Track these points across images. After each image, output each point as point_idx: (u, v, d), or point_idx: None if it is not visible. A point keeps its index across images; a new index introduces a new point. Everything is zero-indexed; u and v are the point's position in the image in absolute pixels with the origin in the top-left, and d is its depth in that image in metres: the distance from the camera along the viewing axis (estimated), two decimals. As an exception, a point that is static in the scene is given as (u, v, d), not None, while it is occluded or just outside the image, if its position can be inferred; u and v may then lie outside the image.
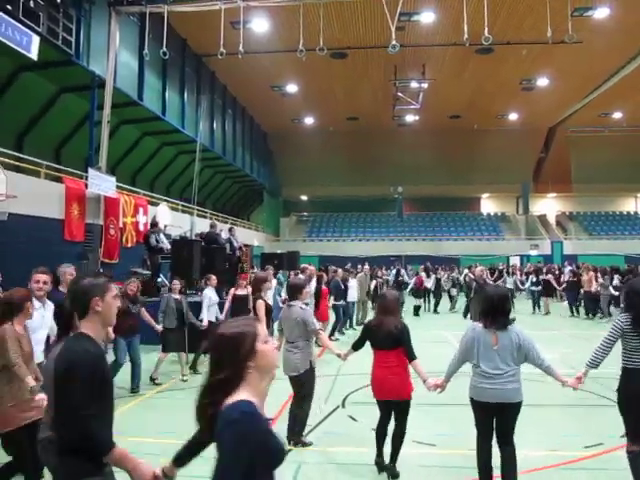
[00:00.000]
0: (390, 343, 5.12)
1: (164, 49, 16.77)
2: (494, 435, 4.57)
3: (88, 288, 2.65)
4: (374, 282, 18.14)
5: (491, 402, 4.42)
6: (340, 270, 16.19)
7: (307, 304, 11.07)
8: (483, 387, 4.46)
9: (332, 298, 14.42)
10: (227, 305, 10.51)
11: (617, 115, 34.46)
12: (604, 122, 35.59)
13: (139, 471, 2.48)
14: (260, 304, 7.94)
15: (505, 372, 4.39)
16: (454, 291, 21.68)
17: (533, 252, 35.97)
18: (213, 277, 10.62)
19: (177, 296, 9.64)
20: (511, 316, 4.69)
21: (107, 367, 2.69)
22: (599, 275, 18.22)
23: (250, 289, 10.99)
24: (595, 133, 36.45)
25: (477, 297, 16.11)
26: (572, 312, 19.14)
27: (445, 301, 21.46)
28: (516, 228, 40.53)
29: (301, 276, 11.73)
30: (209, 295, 10.24)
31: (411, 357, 5.09)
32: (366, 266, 19.54)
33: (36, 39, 12.30)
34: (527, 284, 21.20)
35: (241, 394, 1.99)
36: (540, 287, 20.16)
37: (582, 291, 18.85)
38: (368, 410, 7.14)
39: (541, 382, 7.28)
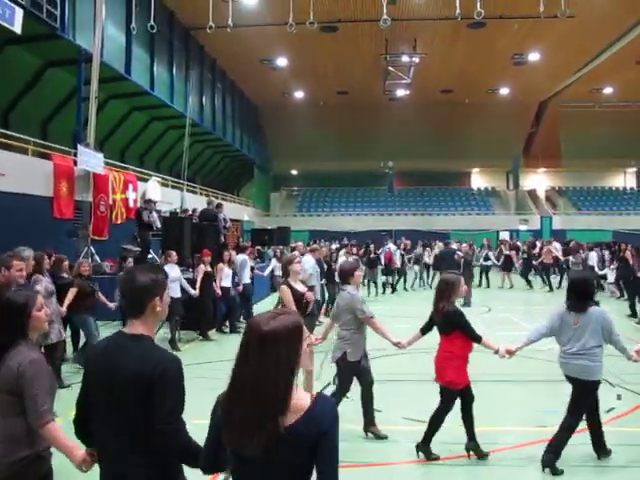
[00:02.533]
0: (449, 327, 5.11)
1: (152, 22, 16.54)
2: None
3: (150, 285, 2.37)
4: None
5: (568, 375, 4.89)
6: (325, 249, 15.87)
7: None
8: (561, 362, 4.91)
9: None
10: (199, 282, 10.68)
11: (608, 90, 34.41)
12: (595, 97, 35.54)
13: None
14: (283, 290, 6.45)
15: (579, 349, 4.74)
16: (417, 268, 21.13)
17: (522, 227, 36.19)
18: (173, 253, 10.47)
19: None
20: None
21: None
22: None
23: (211, 268, 11.24)
24: (586, 108, 36.39)
25: (466, 273, 16.27)
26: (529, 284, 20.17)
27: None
28: (506, 203, 40.69)
29: (296, 253, 11.49)
30: (167, 271, 10.16)
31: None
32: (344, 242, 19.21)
33: (19, 12, 12.03)
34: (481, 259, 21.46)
35: (300, 391, 1.86)
36: (489, 262, 20.79)
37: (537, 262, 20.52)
38: (359, 387, 7.24)
39: (528, 358, 7.42)
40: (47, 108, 18.78)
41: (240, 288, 12.09)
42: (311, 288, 10.69)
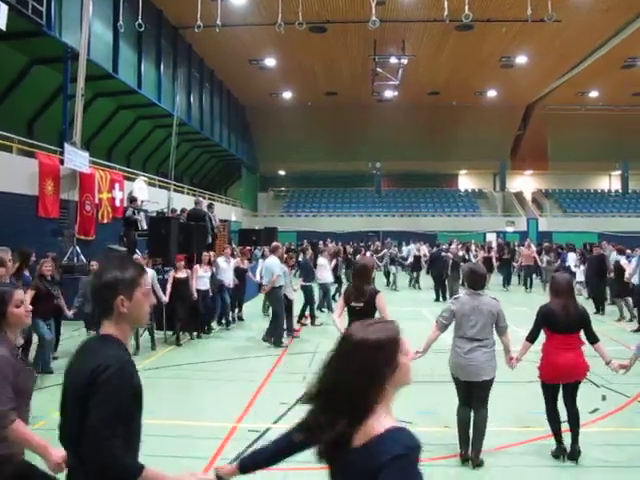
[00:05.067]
0: (575, 326, 5.07)
1: (139, 21, 16.46)
2: None
3: (113, 283, 2.14)
4: (334, 261, 16.57)
5: None
6: (310, 250, 15.83)
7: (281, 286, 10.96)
8: None
9: (301, 279, 13.82)
10: (169, 287, 10.28)
11: (593, 94, 34.70)
12: (581, 101, 35.82)
13: None
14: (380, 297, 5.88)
15: None
16: (393, 268, 20.95)
17: (509, 229, 36.41)
18: (140, 257, 10.27)
19: None
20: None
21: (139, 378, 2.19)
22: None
23: (189, 271, 10.79)
24: (572, 111, 36.68)
25: (454, 274, 16.35)
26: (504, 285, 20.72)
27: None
28: (493, 205, 40.91)
29: (273, 257, 11.31)
30: None
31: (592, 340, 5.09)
32: (331, 244, 19.17)
33: (4, 8, 11.93)
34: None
35: (387, 418, 1.68)
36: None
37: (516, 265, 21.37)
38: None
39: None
40: (33, 106, 18.61)
41: (229, 282, 12.07)
42: (279, 288, 10.64)
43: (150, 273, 9.75)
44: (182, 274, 10.45)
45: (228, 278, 12.14)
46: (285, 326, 10.95)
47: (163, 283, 10.53)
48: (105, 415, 1.95)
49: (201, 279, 11.00)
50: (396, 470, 1.56)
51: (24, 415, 2.62)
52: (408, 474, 1.59)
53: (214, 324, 12.13)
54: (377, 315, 5.61)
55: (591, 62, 27.66)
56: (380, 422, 1.65)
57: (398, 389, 1.74)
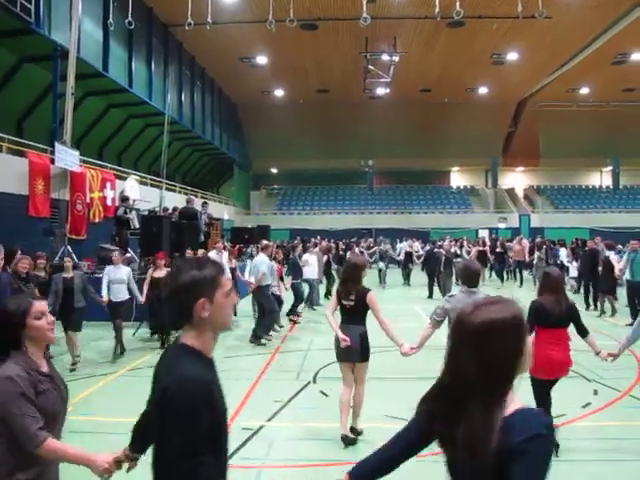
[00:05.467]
0: (566, 321, 5.13)
1: (129, 18, 16.39)
2: None
3: (191, 285, 1.91)
4: (325, 258, 16.80)
5: None
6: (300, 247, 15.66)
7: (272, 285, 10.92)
8: None
9: (290, 277, 13.55)
10: (146, 287, 9.90)
11: (584, 90, 34.85)
12: (572, 97, 35.96)
13: None
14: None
15: None
16: (381, 265, 20.84)
17: (501, 225, 36.52)
18: (116, 253, 9.86)
19: (68, 274, 8.65)
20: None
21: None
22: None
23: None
24: (563, 108, 36.83)
25: (447, 270, 16.37)
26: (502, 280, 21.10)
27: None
28: (485, 201, 41.02)
29: (262, 255, 11.23)
30: (108, 272, 9.46)
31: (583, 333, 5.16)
32: (324, 242, 19.12)
33: (-6, 6, 11.85)
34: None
35: (516, 400, 1.63)
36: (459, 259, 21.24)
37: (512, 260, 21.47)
38: (339, 385, 7.24)
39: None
40: (22, 105, 18.49)
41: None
42: (266, 287, 10.57)
43: (126, 271, 9.60)
44: (161, 273, 9.94)
45: None
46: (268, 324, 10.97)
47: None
48: (184, 442, 1.78)
49: None
50: (536, 448, 1.53)
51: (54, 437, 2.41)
52: (548, 452, 1.56)
53: None
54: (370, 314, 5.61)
55: (582, 58, 27.77)
56: (511, 404, 1.61)
57: (522, 372, 1.65)
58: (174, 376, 1.83)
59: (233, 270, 12.78)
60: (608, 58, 28.15)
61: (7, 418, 2.29)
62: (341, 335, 5.36)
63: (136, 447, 2.34)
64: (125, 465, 2.38)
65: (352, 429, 5.61)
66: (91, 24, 18.29)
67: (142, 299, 9.76)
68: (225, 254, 12.46)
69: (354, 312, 5.40)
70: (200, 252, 11.89)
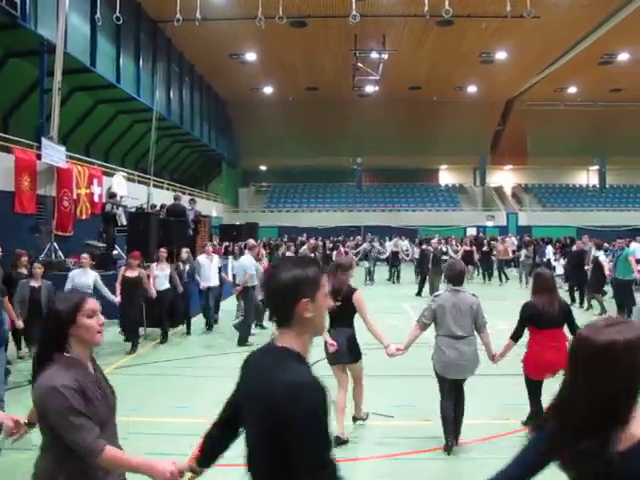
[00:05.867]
0: (560, 321, 5.15)
1: (117, 14, 16.26)
2: None
3: (293, 285, 1.82)
4: (312, 256, 17.11)
5: None
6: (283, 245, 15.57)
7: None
8: None
9: None
10: (118, 287, 9.40)
11: (572, 90, 35.07)
12: (559, 96, 36.18)
13: None
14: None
15: None
16: (366, 263, 20.91)
17: (489, 223, 36.70)
18: (84, 255, 9.40)
19: (36, 283, 7.89)
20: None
21: None
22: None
23: (143, 271, 9.75)
24: (551, 107, 37.03)
25: (435, 268, 16.43)
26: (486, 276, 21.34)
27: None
28: (473, 199, 41.18)
29: (249, 255, 11.09)
30: (72, 277, 8.94)
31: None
32: (312, 240, 19.08)
33: (-21, 1, 11.71)
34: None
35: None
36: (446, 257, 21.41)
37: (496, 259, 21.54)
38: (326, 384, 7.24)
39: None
40: (8, 100, 18.30)
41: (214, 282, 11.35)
42: (252, 289, 10.33)
43: (93, 275, 9.00)
44: (133, 273, 9.48)
45: (212, 277, 11.40)
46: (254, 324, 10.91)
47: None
48: (315, 453, 1.70)
49: (157, 279, 10.13)
50: None
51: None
52: None
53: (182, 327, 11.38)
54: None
55: (569, 58, 27.92)
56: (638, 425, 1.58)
57: None
58: (289, 382, 1.70)
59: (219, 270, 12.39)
60: (595, 58, 28.34)
61: (58, 431, 2.15)
62: (329, 340, 5.33)
63: (204, 461, 2.20)
64: (186, 476, 2.23)
65: (354, 418, 5.79)
66: (78, 19, 18.13)
67: (116, 299, 9.19)
68: (215, 258, 12.14)
69: (341, 314, 5.31)
70: (184, 252, 11.42)
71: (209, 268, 11.42)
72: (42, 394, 2.17)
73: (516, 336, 5.26)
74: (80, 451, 2.14)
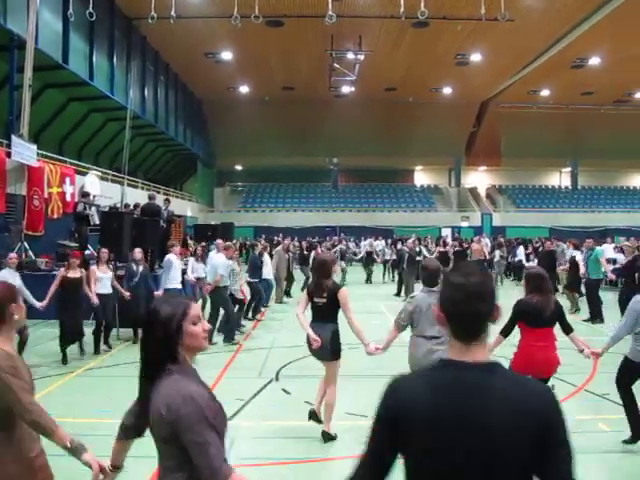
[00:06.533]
0: (553, 320, 5.14)
1: (90, 10, 16.01)
2: None
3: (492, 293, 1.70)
4: (285, 256, 16.53)
5: None
6: (259, 244, 15.41)
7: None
8: None
9: (247, 275, 13.03)
10: (52, 289, 8.64)
11: (545, 92, 35.59)
12: (533, 99, 36.70)
13: None
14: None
15: None
16: (342, 264, 20.55)
17: (464, 224, 37.07)
18: (10, 255, 8.81)
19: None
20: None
21: None
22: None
23: (84, 271, 9.10)
24: (524, 109, 37.56)
25: (411, 269, 16.50)
26: None
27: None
28: (448, 200, 41.56)
29: (221, 253, 10.70)
30: (4, 276, 7.97)
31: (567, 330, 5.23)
32: (286, 240, 19.00)
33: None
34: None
35: None
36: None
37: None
38: (301, 383, 7.23)
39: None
40: (-23, 96, 17.91)
41: (158, 293, 10.16)
42: (224, 289, 10.21)
43: (17, 278, 8.25)
44: (75, 273, 8.75)
45: (178, 278, 10.78)
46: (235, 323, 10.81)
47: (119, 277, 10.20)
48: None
49: (100, 281, 9.37)
50: None
51: None
52: None
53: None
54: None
55: (543, 61, 28.36)
56: None
57: None
58: (537, 395, 1.63)
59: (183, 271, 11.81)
60: (568, 62, 28.81)
61: (187, 444, 1.93)
62: (313, 335, 5.30)
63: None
64: None
65: (324, 433, 5.50)
66: (50, 14, 17.78)
67: (38, 305, 8.27)
68: (191, 260, 11.92)
69: (326, 310, 5.35)
70: (137, 252, 10.33)
71: (177, 268, 10.90)
72: (173, 403, 1.94)
73: (506, 332, 5.26)
74: (204, 472, 1.92)
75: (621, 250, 16.09)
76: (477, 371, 1.63)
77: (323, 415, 5.56)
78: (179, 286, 10.71)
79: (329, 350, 5.38)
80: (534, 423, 1.54)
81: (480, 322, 1.67)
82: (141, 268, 10.27)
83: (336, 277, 5.79)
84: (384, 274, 21.55)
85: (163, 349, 2.04)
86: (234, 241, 21.48)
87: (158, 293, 10.15)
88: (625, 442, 5.28)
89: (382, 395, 1.74)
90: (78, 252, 9.68)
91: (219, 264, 10.32)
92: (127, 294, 9.77)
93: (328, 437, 5.50)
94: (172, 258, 10.75)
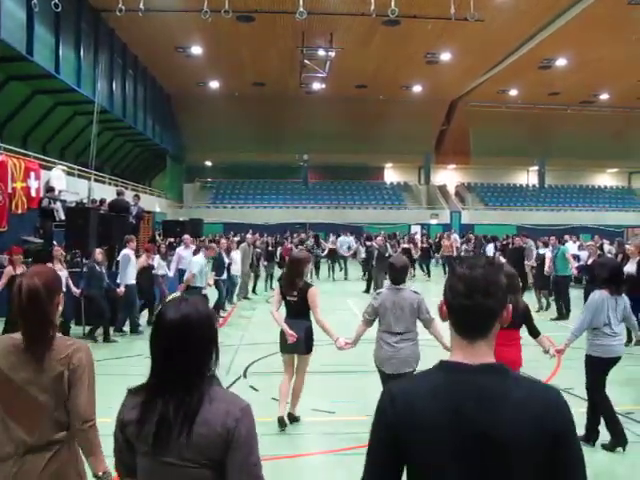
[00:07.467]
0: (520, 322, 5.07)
1: (56, 0, 15.67)
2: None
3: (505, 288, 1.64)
4: (251, 252, 16.48)
5: (613, 357, 5.29)
6: (224, 241, 15.04)
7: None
8: (611, 345, 5.25)
9: (213, 273, 12.69)
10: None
11: (513, 92, 36.08)
12: (501, 98, 37.19)
13: None
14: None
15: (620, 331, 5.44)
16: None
17: (433, 221, 37.42)
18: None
19: None
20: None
21: None
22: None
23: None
24: (493, 108, 38.03)
25: (380, 265, 16.58)
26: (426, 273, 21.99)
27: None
28: (418, 198, 41.89)
29: (201, 255, 10.73)
30: None
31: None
32: (248, 235, 18.86)
33: None
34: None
35: None
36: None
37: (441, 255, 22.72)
38: (269, 380, 7.22)
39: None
40: (-63, 88, 17.40)
41: (121, 290, 10.22)
42: (199, 289, 10.00)
43: None
44: (19, 269, 8.47)
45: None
46: None
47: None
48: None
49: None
50: None
51: None
52: None
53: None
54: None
55: (511, 61, 28.75)
56: None
57: None
58: (542, 400, 1.52)
59: (151, 269, 11.77)
60: (535, 62, 29.25)
61: (237, 464, 1.71)
62: (289, 331, 5.50)
63: None
64: None
65: (290, 415, 5.79)
66: (13, 3, 17.28)
67: None
68: (157, 257, 11.81)
69: (298, 307, 5.60)
70: (97, 252, 10.23)
71: (134, 264, 10.72)
72: (232, 417, 1.73)
73: None
74: None
75: (582, 247, 16.54)
76: (481, 374, 1.55)
77: (289, 407, 5.80)
78: (133, 281, 10.59)
79: (303, 344, 5.60)
80: (550, 439, 1.44)
81: (482, 317, 1.58)
82: (104, 269, 10.19)
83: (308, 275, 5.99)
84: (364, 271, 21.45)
85: (209, 353, 1.83)
86: (202, 237, 21.29)
87: (121, 290, 10.15)
88: (605, 448, 5.21)
89: (379, 407, 1.57)
90: (19, 248, 9.24)
91: (194, 262, 10.23)
92: (77, 291, 9.64)
93: (293, 419, 5.81)
94: (129, 253, 10.60)
